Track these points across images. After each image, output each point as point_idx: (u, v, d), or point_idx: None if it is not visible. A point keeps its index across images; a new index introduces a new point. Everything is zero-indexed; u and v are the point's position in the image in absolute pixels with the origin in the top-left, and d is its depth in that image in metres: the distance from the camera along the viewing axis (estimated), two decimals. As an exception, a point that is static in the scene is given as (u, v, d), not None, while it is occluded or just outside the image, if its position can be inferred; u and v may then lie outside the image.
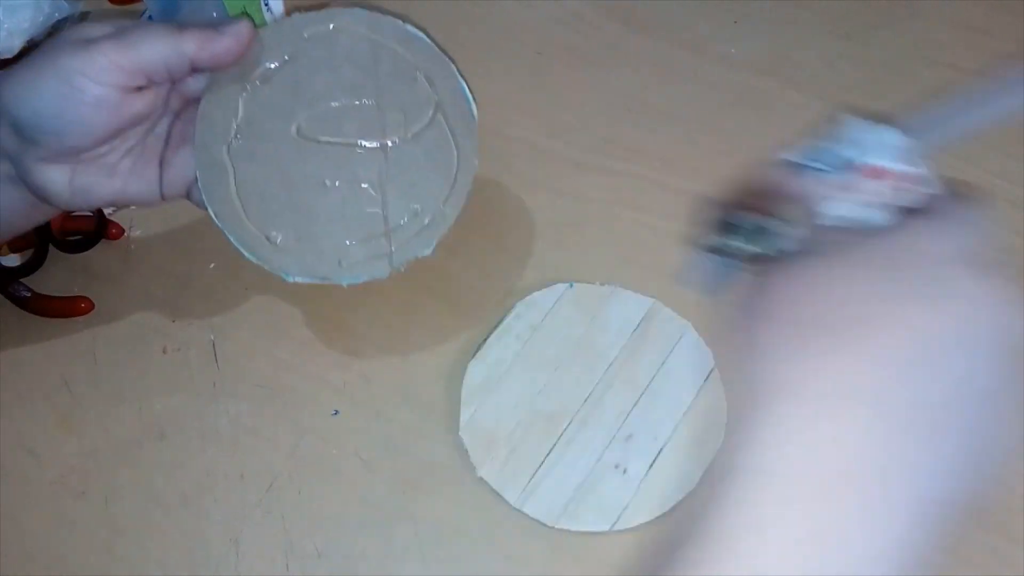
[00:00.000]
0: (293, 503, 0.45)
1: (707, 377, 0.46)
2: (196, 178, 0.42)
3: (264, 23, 0.54)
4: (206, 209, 0.42)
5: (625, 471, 0.44)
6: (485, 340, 0.47)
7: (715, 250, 0.33)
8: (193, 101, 0.42)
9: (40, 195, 0.40)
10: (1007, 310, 0.26)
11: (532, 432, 0.45)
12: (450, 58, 0.42)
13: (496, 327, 0.47)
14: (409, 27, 0.42)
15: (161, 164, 0.42)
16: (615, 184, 0.54)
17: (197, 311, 0.51)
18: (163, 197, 0.43)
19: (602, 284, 0.49)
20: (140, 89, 0.39)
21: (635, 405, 0.45)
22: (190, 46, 0.38)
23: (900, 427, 0.24)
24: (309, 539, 0.44)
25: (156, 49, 0.38)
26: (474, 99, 0.43)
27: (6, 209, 0.41)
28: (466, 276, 0.51)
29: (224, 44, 0.39)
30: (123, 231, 0.53)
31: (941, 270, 0.27)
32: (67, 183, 0.40)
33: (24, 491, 0.46)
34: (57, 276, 0.52)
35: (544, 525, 0.43)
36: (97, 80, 0.37)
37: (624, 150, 0.55)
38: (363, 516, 0.45)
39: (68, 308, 0.51)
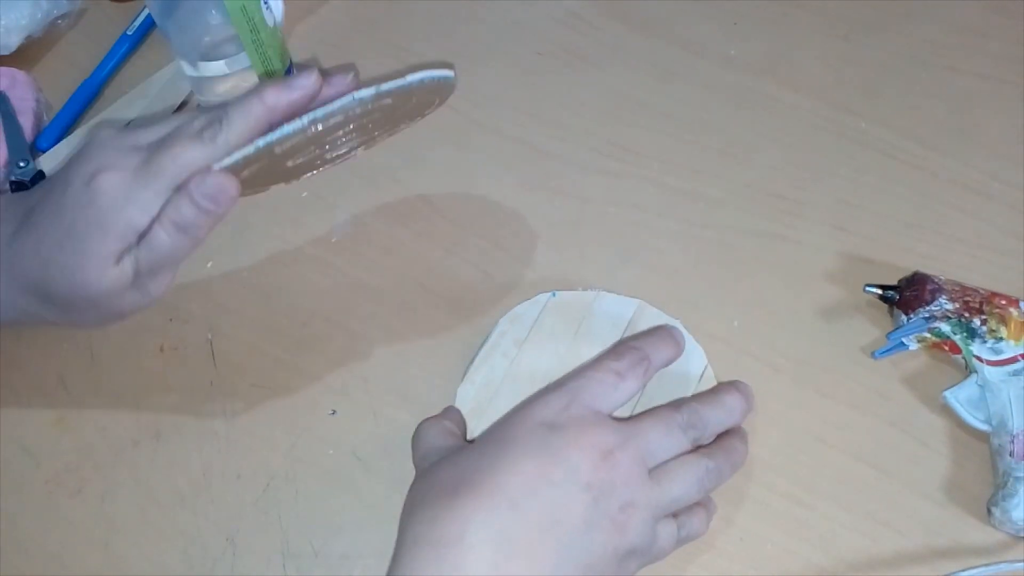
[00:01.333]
0: (290, 503, 0.45)
1: (701, 376, 0.46)
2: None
3: (267, 25, 0.53)
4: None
5: None
6: (472, 361, 0.46)
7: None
8: None
9: None
10: (574, 455, 0.36)
11: None
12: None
13: (482, 346, 0.46)
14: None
15: None
16: (614, 184, 0.54)
17: (194, 310, 0.51)
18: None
19: (585, 290, 0.48)
20: None
21: (632, 411, 0.44)
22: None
23: (514, 551, 0.34)
24: (306, 539, 0.44)
25: (182, 254, 0.40)
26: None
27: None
28: (465, 276, 0.51)
29: (215, 218, 0.39)
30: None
31: (533, 434, 0.37)
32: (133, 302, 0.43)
33: (20, 489, 0.46)
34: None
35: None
36: (159, 297, 0.41)
37: (623, 150, 0.55)
38: (360, 516, 0.44)
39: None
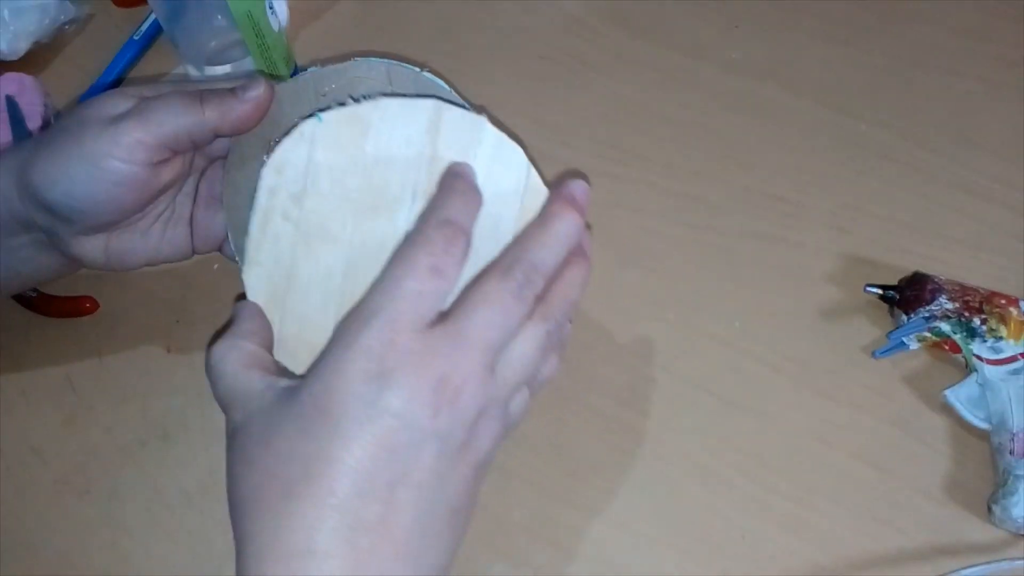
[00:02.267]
0: (296, 502, 0.45)
1: (524, 190, 0.36)
2: (227, 236, 0.42)
3: (272, 30, 0.54)
4: (239, 266, 0.40)
5: None
6: (246, 236, 0.36)
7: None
8: (219, 159, 0.44)
9: (76, 262, 0.43)
10: (413, 407, 0.31)
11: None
12: (472, 105, 0.38)
13: (252, 213, 0.36)
14: (426, 74, 0.39)
15: (191, 222, 0.45)
16: (616, 188, 0.54)
17: (201, 312, 0.51)
18: (195, 252, 0.45)
19: (358, 101, 0.36)
20: (166, 160, 0.40)
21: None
22: (212, 115, 0.39)
23: (370, 538, 0.30)
24: (311, 538, 0.44)
25: (179, 123, 0.39)
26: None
27: (42, 270, 0.44)
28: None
29: (244, 110, 0.39)
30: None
31: (360, 398, 0.31)
32: (103, 250, 0.42)
33: (28, 489, 0.46)
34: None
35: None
36: (124, 159, 0.38)
37: (625, 154, 0.56)
38: (365, 515, 0.45)
39: (73, 308, 0.51)
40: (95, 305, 0.51)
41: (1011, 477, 0.42)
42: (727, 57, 0.59)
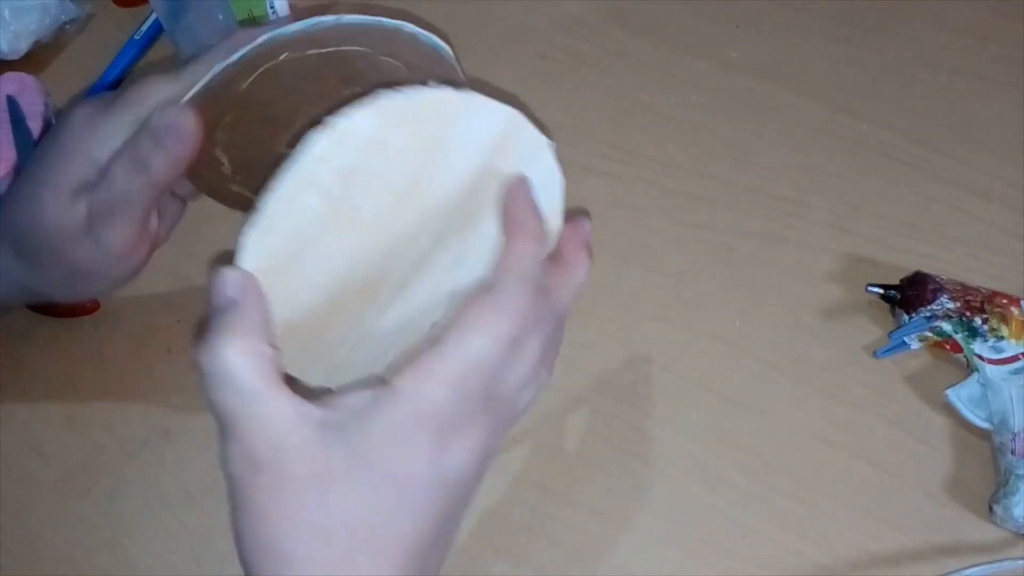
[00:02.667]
0: (297, 502, 0.45)
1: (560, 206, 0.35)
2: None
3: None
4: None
5: None
6: (270, 192, 0.30)
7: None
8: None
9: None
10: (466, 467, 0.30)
11: (342, 309, 0.33)
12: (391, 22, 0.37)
13: (285, 172, 0.30)
14: (326, 19, 0.36)
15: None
16: (617, 186, 0.54)
17: (202, 312, 0.51)
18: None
19: (454, 91, 0.32)
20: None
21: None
22: (159, 172, 0.36)
23: None
24: (313, 538, 0.44)
25: (140, 199, 0.37)
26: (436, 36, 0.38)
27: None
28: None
29: (173, 157, 0.36)
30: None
31: (422, 461, 0.29)
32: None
33: (29, 489, 0.46)
34: (63, 276, 0.52)
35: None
36: (121, 259, 0.38)
37: (626, 153, 0.56)
38: (366, 515, 0.45)
39: (74, 308, 0.51)
40: (96, 305, 0.51)
41: (1012, 477, 0.41)
42: (728, 56, 0.59)
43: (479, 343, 0.29)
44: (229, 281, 0.30)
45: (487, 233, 0.34)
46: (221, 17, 0.54)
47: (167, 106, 0.35)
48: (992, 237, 0.51)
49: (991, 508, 0.42)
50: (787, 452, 0.45)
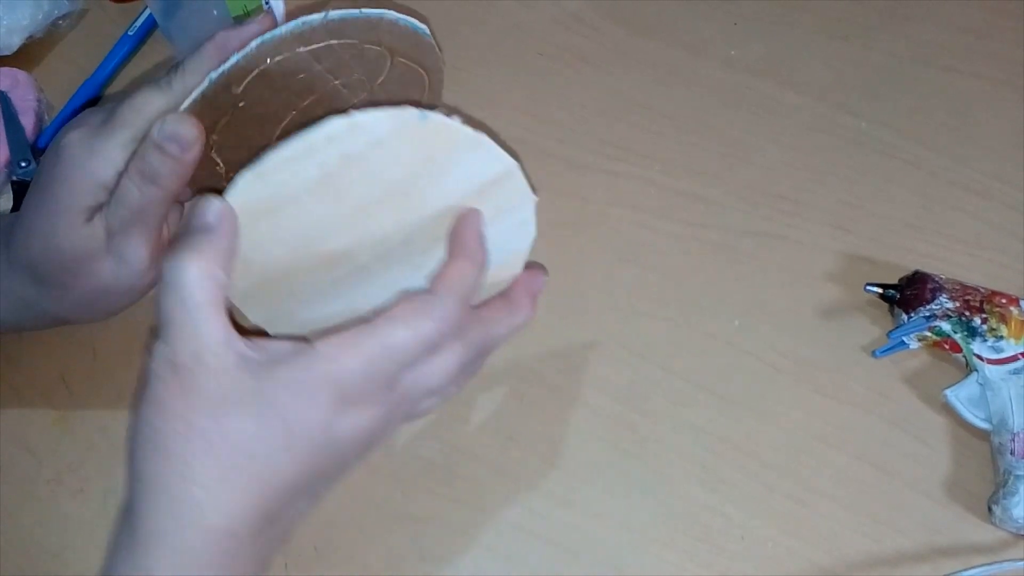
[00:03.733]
0: (292, 502, 0.45)
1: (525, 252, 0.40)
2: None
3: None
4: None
5: None
6: (275, 149, 0.33)
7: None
8: None
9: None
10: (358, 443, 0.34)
11: (307, 273, 0.37)
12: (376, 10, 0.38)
13: (297, 137, 0.33)
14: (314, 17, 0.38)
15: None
16: (615, 185, 0.54)
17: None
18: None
19: (470, 129, 0.35)
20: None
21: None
22: (157, 189, 0.38)
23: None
24: (307, 539, 0.44)
25: (152, 210, 0.38)
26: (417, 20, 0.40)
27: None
28: (466, 276, 0.51)
29: (180, 164, 0.37)
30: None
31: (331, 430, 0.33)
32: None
33: (22, 489, 0.46)
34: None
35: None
36: (137, 274, 0.40)
37: (624, 151, 0.56)
38: (361, 516, 0.44)
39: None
40: (89, 303, 0.51)
41: (1011, 477, 0.41)
42: (726, 54, 0.59)
43: (401, 334, 0.33)
44: (212, 208, 0.32)
45: None
46: (216, 12, 0.53)
47: (167, 117, 0.37)
48: (991, 236, 0.51)
49: (990, 509, 0.42)
50: (785, 452, 0.45)
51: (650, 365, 0.48)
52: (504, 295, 0.39)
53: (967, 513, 0.43)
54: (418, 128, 0.34)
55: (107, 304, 0.42)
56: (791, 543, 0.43)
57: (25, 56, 0.61)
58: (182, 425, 0.31)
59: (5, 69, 0.59)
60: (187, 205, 0.38)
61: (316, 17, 0.37)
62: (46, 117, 0.59)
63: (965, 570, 0.40)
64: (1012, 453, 0.42)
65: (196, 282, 0.31)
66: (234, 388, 0.31)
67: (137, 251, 0.39)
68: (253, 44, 0.37)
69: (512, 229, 0.39)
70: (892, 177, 0.54)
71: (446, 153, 0.35)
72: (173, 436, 0.31)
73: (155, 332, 0.32)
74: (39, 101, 0.58)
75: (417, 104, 0.34)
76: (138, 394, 0.32)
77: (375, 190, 0.35)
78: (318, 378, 0.31)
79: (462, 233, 0.36)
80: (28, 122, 0.56)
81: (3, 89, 0.57)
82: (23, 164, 0.54)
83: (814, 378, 0.47)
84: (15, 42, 0.60)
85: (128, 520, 0.32)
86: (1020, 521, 0.41)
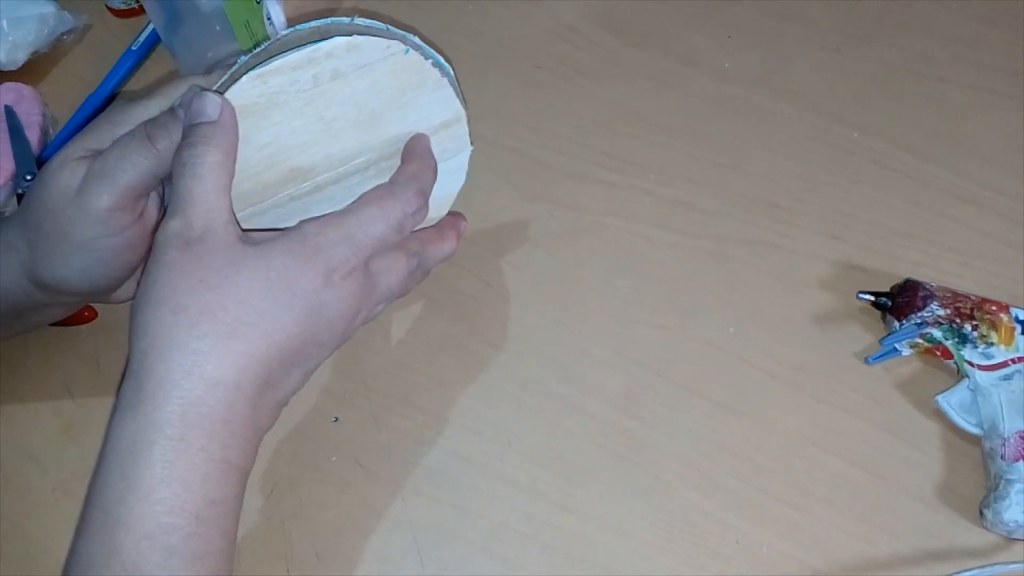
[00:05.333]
0: (293, 509, 0.45)
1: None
2: None
3: (266, 36, 0.54)
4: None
5: None
6: (267, 49, 0.38)
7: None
8: None
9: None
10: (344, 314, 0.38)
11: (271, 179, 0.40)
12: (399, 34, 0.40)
13: (293, 49, 0.36)
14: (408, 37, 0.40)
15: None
16: (611, 194, 0.55)
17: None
18: None
19: (438, 71, 0.40)
20: (144, 198, 0.40)
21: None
22: (166, 149, 0.38)
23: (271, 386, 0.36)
24: (309, 544, 0.44)
25: (139, 172, 0.38)
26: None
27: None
28: (465, 285, 0.52)
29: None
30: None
31: (318, 295, 0.37)
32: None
33: (26, 497, 0.47)
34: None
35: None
36: (111, 233, 0.39)
37: (619, 161, 0.56)
38: (362, 521, 0.45)
39: (72, 316, 0.51)
40: (93, 314, 0.52)
41: (1002, 481, 0.42)
42: (720, 66, 0.60)
43: (375, 212, 0.38)
44: (212, 102, 0.36)
45: None
46: (218, 28, 0.54)
47: (201, 91, 0.38)
48: (982, 244, 0.52)
49: (982, 512, 0.42)
50: (780, 457, 0.46)
51: (646, 372, 0.49)
52: (436, 227, 0.45)
53: (959, 517, 0.43)
54: (399, 60, 0.38)
55: (81, 264, 0.40)
56: (786, 547, 0.43)
57: (30, 71, 0.62)
58: (196, 282, 0.34)
59: (11, 84, 0.60)
60: (181, 97, 0.38)
61: (344, 20, 0.39)
62: (51, 131, 0.59)
63: (957, 573, 0.41)
64: (1003, 457, 0.42)
65: (214, 167, 0.36)
66: (242, 255, 0.35)
67: (94, 198, 0.38)
68: (278, 36, 0.39)
69: (448, 173, 0.43)
70: (884, 186, 0.54)
71: (415, 89, 0.40)
72: (187, 292, 0.34)
73: (167, 212, 0.36)
74: (44, 115, 0.59)
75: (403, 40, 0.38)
76: (150, 261, 0.35)
77: (350, 112, 0.39)
78: (309, 249, 0.36)
79: (415, 146, 0.41)
80: (33, 136, 0.57)
81: (9, 103, 0.58)
82: (28, 177, 0.54)
83: (808, 384, 0.48)
84: (20, 57, 0.61)
85: (133, 378, 0.34)
86: (1011, 524, 0.41)
